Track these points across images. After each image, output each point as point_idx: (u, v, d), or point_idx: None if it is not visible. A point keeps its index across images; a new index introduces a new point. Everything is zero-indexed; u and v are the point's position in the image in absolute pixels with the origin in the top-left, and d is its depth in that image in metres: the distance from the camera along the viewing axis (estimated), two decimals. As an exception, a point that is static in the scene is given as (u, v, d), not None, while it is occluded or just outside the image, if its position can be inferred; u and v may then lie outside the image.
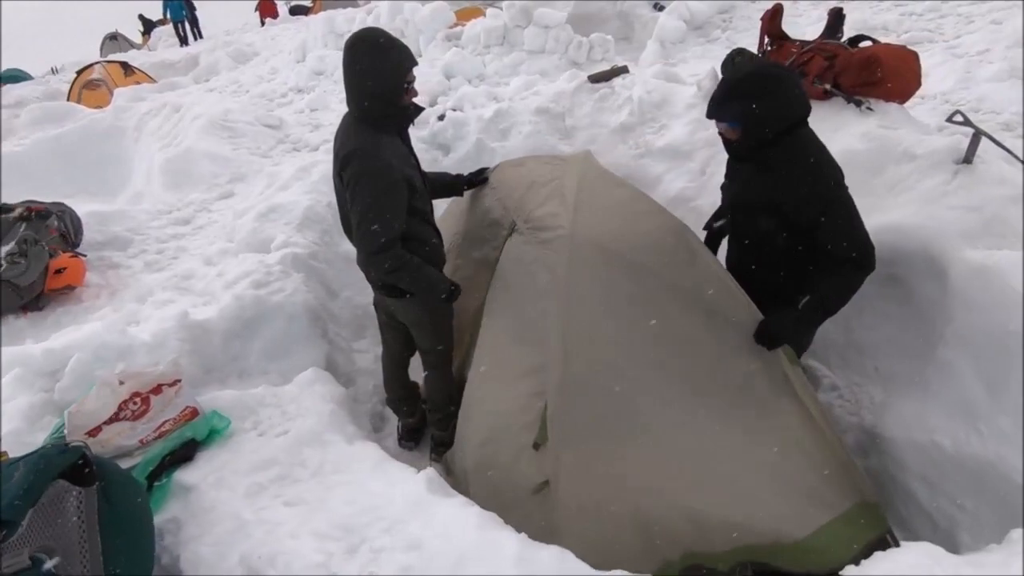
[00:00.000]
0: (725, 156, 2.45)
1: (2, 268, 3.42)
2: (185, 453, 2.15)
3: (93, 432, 2.09)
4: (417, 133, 5.22)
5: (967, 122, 2.64)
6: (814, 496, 2.14)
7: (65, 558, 1.49)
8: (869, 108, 3.31)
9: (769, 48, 3.99)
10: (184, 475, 2.06)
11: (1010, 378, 2.17)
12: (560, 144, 4.80)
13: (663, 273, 2.28)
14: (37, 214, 3.89)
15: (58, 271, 3.64)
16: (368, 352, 3.76)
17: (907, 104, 3.49)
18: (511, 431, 2.22)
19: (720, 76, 4.21)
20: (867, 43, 3.70)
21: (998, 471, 2.14)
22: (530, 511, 2.09)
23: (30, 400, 2.53)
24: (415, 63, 2.42)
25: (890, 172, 2.99)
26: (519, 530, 1.69)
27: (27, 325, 3.57)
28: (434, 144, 5.19)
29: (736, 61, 4.11)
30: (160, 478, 2.05)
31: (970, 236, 2.45)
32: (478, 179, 2.99)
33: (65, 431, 2.08)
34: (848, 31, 4.01)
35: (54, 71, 14.47)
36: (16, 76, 14.08)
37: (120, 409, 2.15)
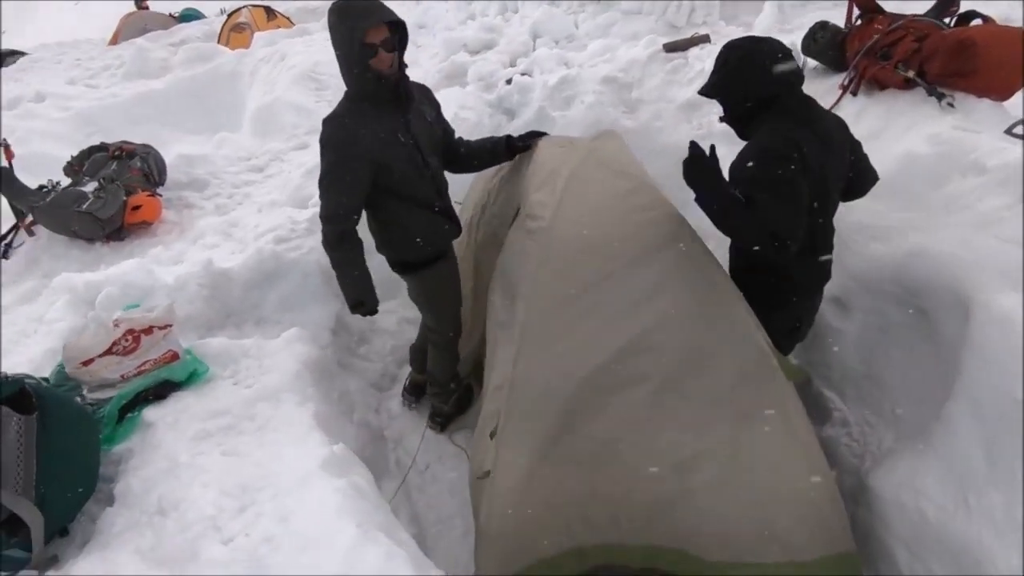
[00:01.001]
0: None
1: (88, 202, 3.90)
2: (159, 392, 2.37)
3: (86, 363, 2.37)
4: (485, 96, 5.18)
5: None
6: (776, 531, 1.95)
7: (2, 475, 1.74)
8: (951, 104, 2.80)
9: (858, 22, 3.46)
10: (150, 412, 2.28)
11: (1011, 449, 1.82)
12: (623, 118, 4.54)
13: (643, 275, 2.15)
14: (127, 154, 4.37)
15: (135, 208, 4.08)
16: (394, 313, 3.89)
17: (1010, 101, 2.90)
18: (486, 418, 2.25)
19: (801, 54, 3.75)
20: (978, 22, 3.11)
21: (976, 557, 1.83)
22: (476, 495, 2.16)
23: (72, 324, 2.92)
24: (376, 21, 2.25)
25: (953, 185, 2.54)
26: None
27: (108, 252, 4.06)
28: (500, 108, 5.11)
29: (817, 37, 3.64)
30: (132, 411, 2.30)
31: (1011, 276, 2.04)
32: (522, 145, 2.81)
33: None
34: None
35: (222, 12, 15.67)
36: (190, 15, 15.34)
37: (113, 344, 2.41)
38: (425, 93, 2.74)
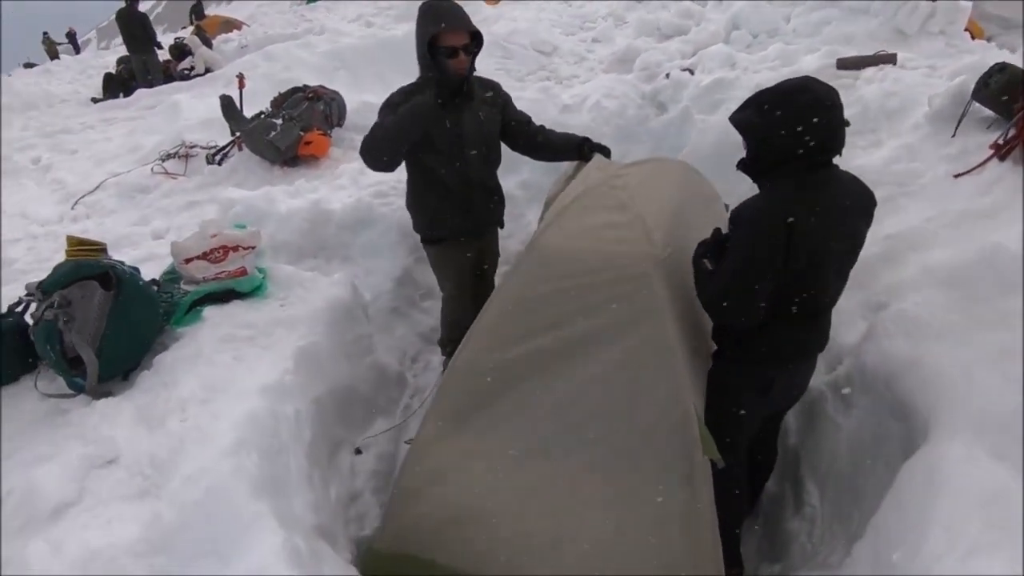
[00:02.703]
0: (908, 200, 2.56)
1: (273, 133, 4.84)
2: (223, 297, 3.04)
3: (187, 261, 3.13)
4: (644, 87, 5.09)
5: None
6: None
7: (80, 327, 2.49)
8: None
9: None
10: (209, 311, 2.94)
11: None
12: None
13: (599, 305, 2.16)
14: (317, 97, 5.26)
15: (307, 143, 4.95)
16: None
17: None
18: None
19: (970, 94, 3.12)
20: None
21: None
22: (405, 461, 2.40)
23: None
24: (442, 27, 2.56)
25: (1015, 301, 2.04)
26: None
27: (280, 174, 5.02)
28: (653, 101, 5.02)
29: (992, 80, 3.00)
30: (199, 307, 3.00)
31: (982, 427, 1.65)
32: (588, 153, 2.97)
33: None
34: None
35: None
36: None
37: (206, 252, 3.13)
38: (490, 92, 2.97)
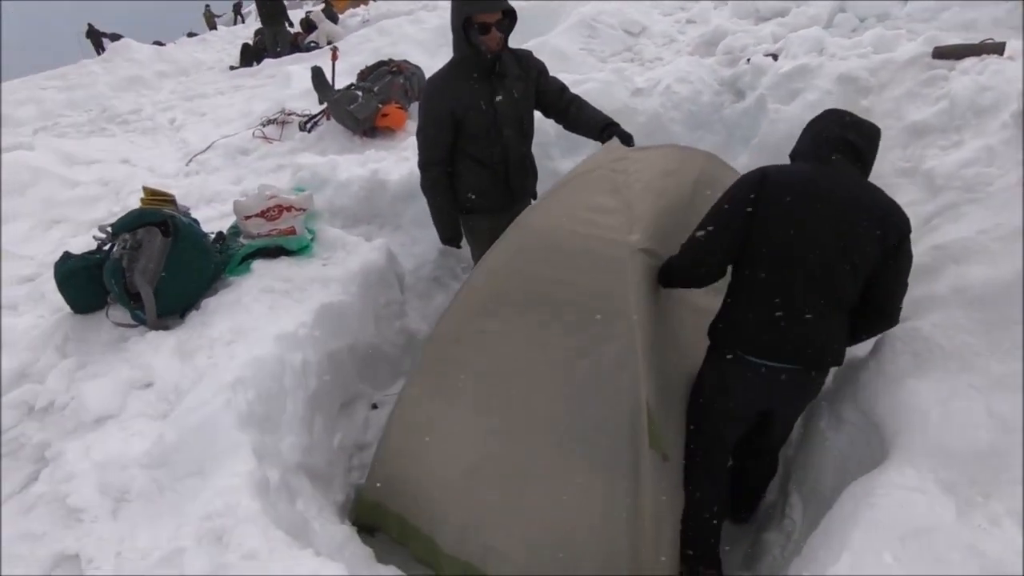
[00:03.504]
0: (971, 208, 2.58)
1: (354, 105, 5.15)
2: (273, 253, 3.35)
3: (247, 218, 3.47)
4: (721, 71, 4.87)
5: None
6: None
7: (142, 267, 2.87)
8: None
9: None
10: (257, 264, 3.26)
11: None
12: (838, 127, 3.86)
13: (570, 289, 2.18)
14: (399, 71, 5.50)
15: (384, 115, 5.22)
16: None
17: None
18: None
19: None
20: None
21: None
22: (390, 416, 2.57)
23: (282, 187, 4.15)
24: (476, 6, 2.66)
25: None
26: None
27: (358, 143, 5.33)
28: (732, 88, 4.79)
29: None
30: (250, 259, 3.33)
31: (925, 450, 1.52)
32: (607, 135, 2.96)
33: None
34: None
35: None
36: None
37: (263, 210, 3.45)
38: (526, 63, 3.02)
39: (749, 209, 2.01)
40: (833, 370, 2.23)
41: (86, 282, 2.95)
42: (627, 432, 1.97)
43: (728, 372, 2.08)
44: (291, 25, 12.08)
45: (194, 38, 17.82)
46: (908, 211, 2.87)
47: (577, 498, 2.03)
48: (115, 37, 17.43)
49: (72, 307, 3.03)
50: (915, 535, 1.35)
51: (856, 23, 5.33)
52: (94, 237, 2.90)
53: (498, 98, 2.92)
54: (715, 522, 2.27)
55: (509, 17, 2.81)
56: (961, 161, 2.95)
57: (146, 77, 11.61)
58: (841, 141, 2.01)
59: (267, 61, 10.80)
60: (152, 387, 2.51)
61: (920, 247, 2.53)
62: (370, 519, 2.55)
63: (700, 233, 2.10)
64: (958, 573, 1.30)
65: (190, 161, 6.00)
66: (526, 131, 3.13)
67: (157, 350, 2.67)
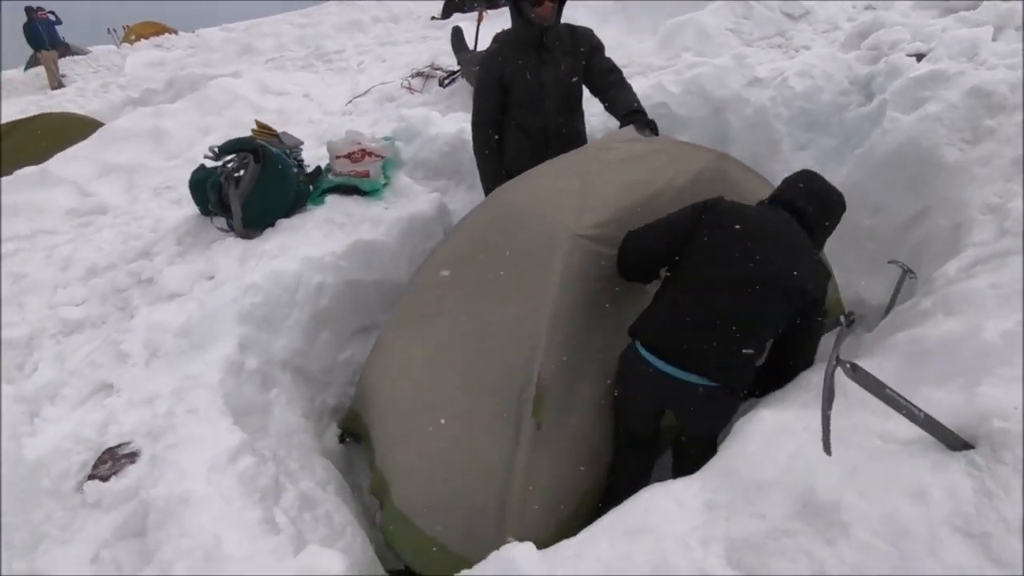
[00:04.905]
0: None
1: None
2: (348, 191, 3.90)
3: (338, 157, 4.04)
4: (857, 68, 4.39)
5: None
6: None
7: (241, 184, 3.56)
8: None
9: None
10: (333, 198, 3.83)
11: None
12: (948, 148, 3.36)
13: (512, 261, 2.37)
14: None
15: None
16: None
17: None
18: None
19: None
20: None
21: None
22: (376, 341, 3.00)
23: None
24: None
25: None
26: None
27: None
28: (864, 88, 4.35)
29: None
30: (328, 193, 3.91)
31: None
32: (627, 122, 3.05)
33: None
34: None
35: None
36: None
37: (349, 152, 4.00)
38: (579, 39, 3.15)
39: (696, 220, 2.13)
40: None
41: (203, 192, 3.74)
42: (516, 399, 2.16)
43: (625, 360, 2.16)
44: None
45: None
46: (970, 252, 2.58)
47: (467, 438, 2.27)
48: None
49: (200, 209, 3.86)
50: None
51: None
52: (204, 156, 3.65)
53: (544, 70, 3.08)
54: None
55: None
56: (1044, 206, 2.50)
57: (363, 21, 13.07)
58: (791, 205, 2.15)
59: (456, 15, 11.53)
60: (213, 279, 3.20)
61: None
62: (353, 427, 3.03)
63: (649, 224, 2.23)
64: None
65: (350, 102, 6.86)
66: (571, 105, 3.25)
67: (227, 253, 3.36)
